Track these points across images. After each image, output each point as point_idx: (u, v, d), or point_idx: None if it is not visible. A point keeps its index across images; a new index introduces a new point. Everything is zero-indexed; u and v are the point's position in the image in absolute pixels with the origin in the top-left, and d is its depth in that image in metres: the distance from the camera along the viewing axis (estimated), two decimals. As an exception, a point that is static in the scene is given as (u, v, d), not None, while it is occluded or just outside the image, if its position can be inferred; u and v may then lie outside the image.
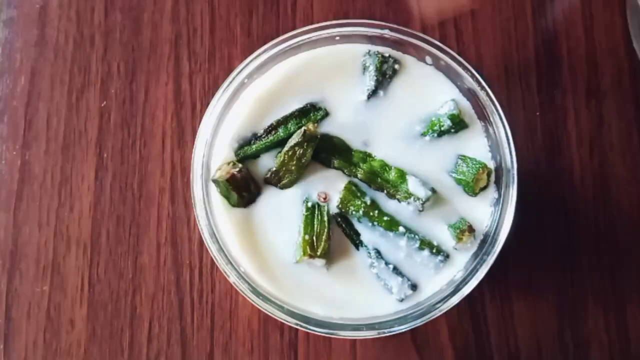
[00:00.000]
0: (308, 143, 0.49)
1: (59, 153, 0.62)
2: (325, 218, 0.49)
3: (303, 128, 0.49)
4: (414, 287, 0.49)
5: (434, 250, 0.49)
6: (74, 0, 0.65)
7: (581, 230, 0.60)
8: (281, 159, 0.50)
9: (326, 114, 0.51)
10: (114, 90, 0.63)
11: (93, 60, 0.64)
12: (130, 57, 0.64)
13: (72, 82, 0.63)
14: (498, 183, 0.50)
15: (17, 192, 0.61)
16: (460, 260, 0.50)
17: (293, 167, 0.50)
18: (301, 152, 0.49)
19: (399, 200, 0.50)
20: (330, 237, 0.49)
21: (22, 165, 0.62)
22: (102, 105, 0.63)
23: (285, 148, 0.50)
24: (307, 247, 0.48)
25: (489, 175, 0.50)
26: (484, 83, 0.50)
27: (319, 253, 0.48)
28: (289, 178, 0.50)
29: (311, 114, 0.51)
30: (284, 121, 0.51)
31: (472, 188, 0.49)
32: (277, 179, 0.50)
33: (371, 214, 0.49)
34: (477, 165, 0.49)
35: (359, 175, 0.50)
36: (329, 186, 0.51)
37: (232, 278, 0.49)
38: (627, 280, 0.60)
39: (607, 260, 0.60)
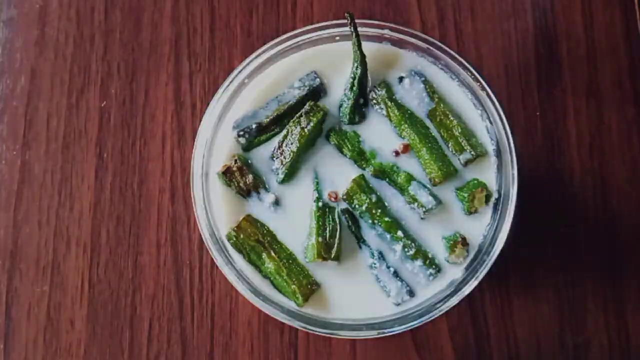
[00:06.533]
0: (314, 114, 0.49)
1: (59, 153, 0.62)
2: (337, 219, 0.49)
3: (311, 101, 0.49)
4: (411, 293, 0.49)
5: (427, 262, 0.49)
6: (74, 0, 0.65)
7: (581, 230, 0.60)
8: (287, 129, 0.50)
9: (325, 93, 0.51)
10: (114, 90, 0.63)
11: (93, 60, 0.64)
12: (130, 57, 0.64)
13: (72, 82, 0.63)
14: (498, 182, 0.50)
15: (17, 192, 0.61)
16: (452, 274, 0.49)
17: (296, 136, 0.49)
18: (306, 122, 0.49)
19: (406, 202, 0.50)
20: (342, 238, 0.49)
21: (22, 165, 0.62)
22: (102, 105, 0.63)
23: (293, 118, 0.50)
24: (322, 249, 0.48)
25: (487, 198, 0.49)
26: (484, 83, 0.50)
27: (332, 256, 0.48)
28: (291, 150, 0.49)
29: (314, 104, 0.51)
30: (288, 111, 0.50)
31: (467, 206, 0.49)
32: (280, 152, 0.50)
33: (374, 211, 0.49)
34: (478, 184, 0.49)
35: (369, 171, 0.50)
36: (337, 175, 0.50)
37: (232, 278, 0.49)
38: (627, 280, 0.60)
39: (607, 260, 0.60)
